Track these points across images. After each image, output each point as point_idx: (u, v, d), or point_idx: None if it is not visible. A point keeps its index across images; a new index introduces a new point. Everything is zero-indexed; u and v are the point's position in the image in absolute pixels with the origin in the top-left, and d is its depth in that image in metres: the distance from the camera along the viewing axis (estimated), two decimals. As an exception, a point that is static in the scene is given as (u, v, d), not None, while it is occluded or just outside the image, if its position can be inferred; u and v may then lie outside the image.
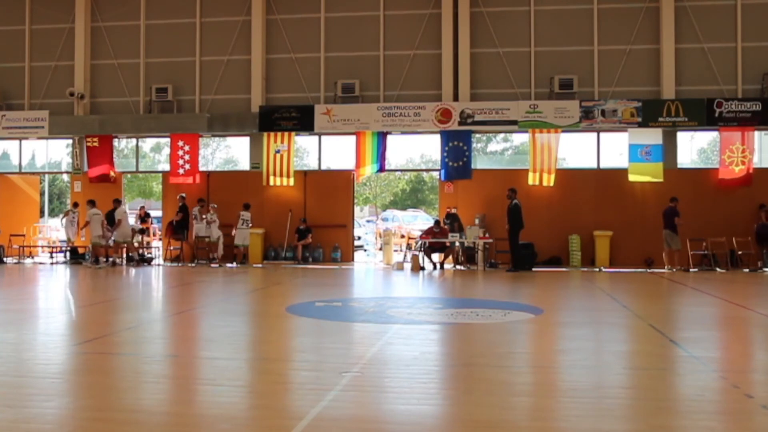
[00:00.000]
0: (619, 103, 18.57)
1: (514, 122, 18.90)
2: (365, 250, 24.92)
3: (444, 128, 19.03)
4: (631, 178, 18.51)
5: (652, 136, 18.56)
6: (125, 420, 4.59)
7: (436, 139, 19.46)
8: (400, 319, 9.02)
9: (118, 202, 19.16)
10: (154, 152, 29.17)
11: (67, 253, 19.89)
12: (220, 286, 13.75)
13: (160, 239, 21.10)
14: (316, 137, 20.47)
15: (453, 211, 19.02)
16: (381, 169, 19.81)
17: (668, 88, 18.70)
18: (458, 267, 18.06)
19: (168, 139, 20.67)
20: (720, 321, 9.57)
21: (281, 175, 19.64)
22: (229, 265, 18.71)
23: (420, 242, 18.33)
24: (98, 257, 18.48)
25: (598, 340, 8.01)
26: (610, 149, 19.48)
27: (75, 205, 20.09)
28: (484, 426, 4.48)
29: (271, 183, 19.71)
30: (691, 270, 17.13)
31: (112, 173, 20.47)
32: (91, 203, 18.59)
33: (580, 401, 5.10)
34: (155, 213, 23.90)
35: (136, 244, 19.52)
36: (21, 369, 6.22)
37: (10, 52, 21.44)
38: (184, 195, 19.68)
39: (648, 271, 17.19)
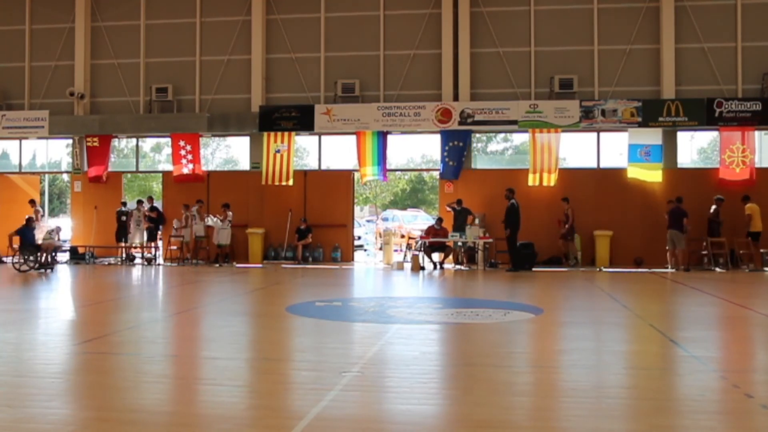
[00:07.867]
0: (619, 102, 18.56)
1: (514, 122, 18.88)
2: (365, 250, 24.91)
3: (444, 128, 19.01)
4: (630, 178, 18.51)
5: (652, 136, 18.54)
6: (126, 420, 4.60)
7: (436, 139, 19.44)
8: (400, 319, 9.03)
9: None
10: (154, 152, 29.18)
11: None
12: (220, 286, 13.75)
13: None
14: (316, 137, 20.46)
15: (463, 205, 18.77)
16: (383, 176, 19.68)
17: (668, 88, 18.69)
18: (458, 267, 18.05)
19: (168, 139, 20.66)
20: (720, 321, 9.57)
21: (281, 175, 19.61)
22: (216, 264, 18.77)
23: (420, 242, 18.32)
24: None
25: (598, 340, 8.01)
26: (610, 149, 19.49)
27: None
28: (484, 426, 4.49)
29: (271, 183, 19.69)
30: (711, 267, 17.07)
31: (104, 175, 20.41)
32: None
33: (581, 401, 5.11)
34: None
35: (137, 244, 19.56)
36: (21, 369, 6.23)
37: (10, 52, 21.43)
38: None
39: (650, 270, 17.17)
